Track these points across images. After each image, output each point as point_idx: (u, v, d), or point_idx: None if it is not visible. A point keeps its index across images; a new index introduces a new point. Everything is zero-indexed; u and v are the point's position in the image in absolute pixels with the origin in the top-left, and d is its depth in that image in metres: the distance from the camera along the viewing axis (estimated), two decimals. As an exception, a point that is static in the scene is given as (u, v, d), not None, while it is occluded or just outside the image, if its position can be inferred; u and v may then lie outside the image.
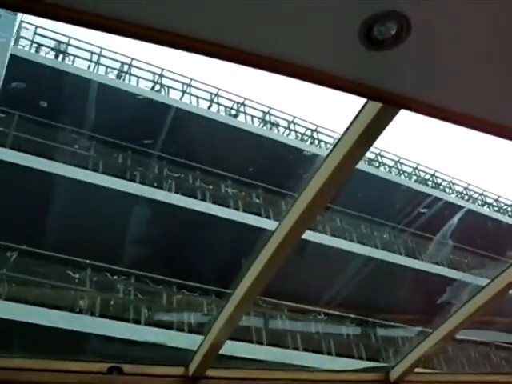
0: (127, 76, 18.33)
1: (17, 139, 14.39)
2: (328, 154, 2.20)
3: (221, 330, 2.80)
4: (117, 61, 18.40)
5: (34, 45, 17.34)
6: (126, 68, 18.46)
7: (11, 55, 15.35)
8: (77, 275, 13.43)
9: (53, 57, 17.20)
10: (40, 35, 17.37)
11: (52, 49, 17.44)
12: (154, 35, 1.57)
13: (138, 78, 18.28)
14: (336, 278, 15.17)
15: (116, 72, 18.26)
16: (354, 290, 15.17)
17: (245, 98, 19.81)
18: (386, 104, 1.97)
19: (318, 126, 20.40)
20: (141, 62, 18.43)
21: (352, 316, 16.41)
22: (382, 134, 2.12)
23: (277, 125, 20.23)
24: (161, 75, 18.75)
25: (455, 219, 18.02)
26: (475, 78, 1.94)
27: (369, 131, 2.08)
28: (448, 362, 15.91)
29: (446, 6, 1.67)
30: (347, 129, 2.14)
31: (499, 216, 21.80)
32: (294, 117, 20.14)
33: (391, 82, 1.86)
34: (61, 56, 17.44)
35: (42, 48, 17.36)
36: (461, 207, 19.46)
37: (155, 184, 15.89)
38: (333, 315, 16.13)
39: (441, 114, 1.99)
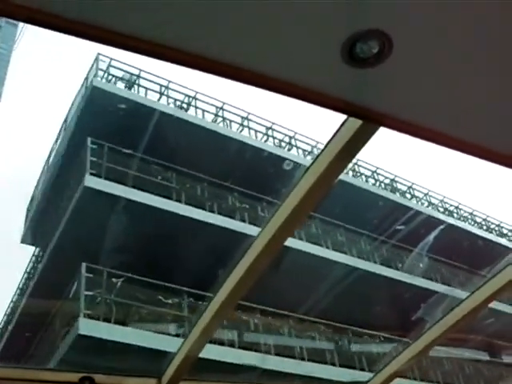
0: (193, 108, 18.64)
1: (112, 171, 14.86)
2: (308, 168, 2.20)
3: (195, 342, 2.78)
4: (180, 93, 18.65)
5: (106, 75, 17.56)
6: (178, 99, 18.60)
7: (93, 87, 15.87)
8: (169, 300, 14.26)
9: (124, 87, 17.49)
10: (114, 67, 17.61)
11: (127, 81, 17.71)
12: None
13: (203, 111, 18.64)
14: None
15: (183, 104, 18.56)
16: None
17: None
18: (365, 121, 1.98)
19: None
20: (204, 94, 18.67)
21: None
22: (361, 149, 2.12)
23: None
24: (222, 108, 19.06)
25: (433, 232, 18.15)
26: (456, 99, 1.95)
27: (349, 147, 2.08)
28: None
29: (430, 28, 1.69)
30: (328, 143, 2.14)
31: (476, 230, 21.97)
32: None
33: (372, 99, 1.86)
34: (137, 89, 17.70)
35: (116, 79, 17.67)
36: (440, 220, 19.61)
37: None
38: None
39: (420, 132, 2.00)
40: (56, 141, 18.80)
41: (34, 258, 19.31)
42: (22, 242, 19.65)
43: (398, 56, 1.71)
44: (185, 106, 18.23)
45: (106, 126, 14.79)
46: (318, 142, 19.61)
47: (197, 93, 18.35)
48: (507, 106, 1.98)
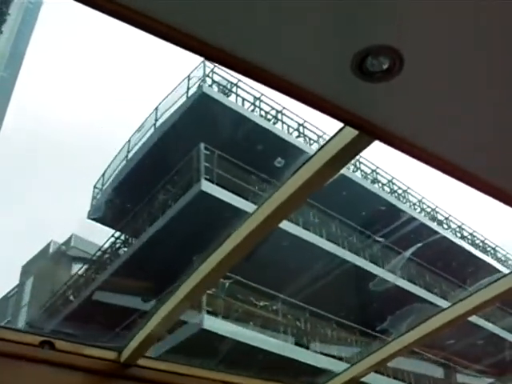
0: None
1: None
2: (296, 170, 2.17)
3: (161, 322, 2.76)
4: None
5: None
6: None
7: (202, 93, 16.49)
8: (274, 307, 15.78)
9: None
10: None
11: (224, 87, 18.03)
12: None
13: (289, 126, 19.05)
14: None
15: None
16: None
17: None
18: (364, 133, 1.94)
19: None
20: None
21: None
22: (353, 159, 2.09)
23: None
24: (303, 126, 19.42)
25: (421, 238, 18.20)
26: (462, 124, 1.92)
27: (341, 155, 2.05)
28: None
29: (442, 47, 1.66)
30: (320, 148, 2.11)
31: (463, 243, 22.01)
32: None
33: (375, 113, 1.84)
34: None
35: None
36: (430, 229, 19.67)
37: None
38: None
39: (418, 153, 1.97)
40: (139, 131, 19.14)
41: (116, 240, 19.93)
42: (89, 217, 20.32)
43: (407, 75, 1.69)
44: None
45: (204, 133, 15.48)
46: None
47: (284, 108, 18.78)
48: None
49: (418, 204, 22.08)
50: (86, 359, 2.68)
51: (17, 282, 28.55)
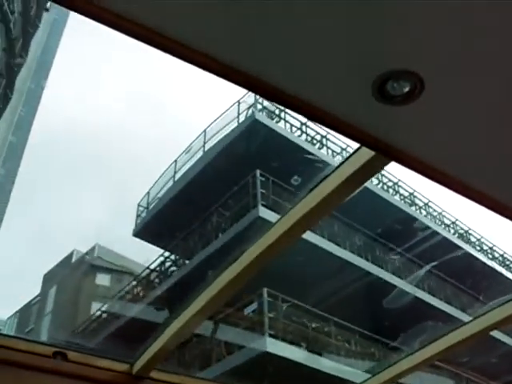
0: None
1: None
2: (312, 189, 2.16)
3: (174, 335, 2.76)
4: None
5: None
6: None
7: (255, 119, 17.11)
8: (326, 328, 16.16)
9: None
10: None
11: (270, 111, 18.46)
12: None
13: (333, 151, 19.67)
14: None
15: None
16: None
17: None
18: (381, 154, 1.93)
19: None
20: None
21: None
22: (369, 179, 2.08)
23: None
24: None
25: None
26: (481, 149, 1.90)
27: (358, 174, 2.04)
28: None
29: (462, 73, 1.65)
30: (337, 167, 2.10)
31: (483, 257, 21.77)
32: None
33: (393, 135, 1.84)
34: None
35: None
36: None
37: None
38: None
39: (435, 176, 1.95)
40: (187, 152, 19.56)
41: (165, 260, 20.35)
42: (135, 235, 20.90)
43: (426, 99, 1.69)
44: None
45: (256, 158, 16.09)
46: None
47: (328, 133, 19.08)
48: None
49: (438, 217, 21.90)
50: (98, 370, 2.68)
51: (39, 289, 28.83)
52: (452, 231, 21.60)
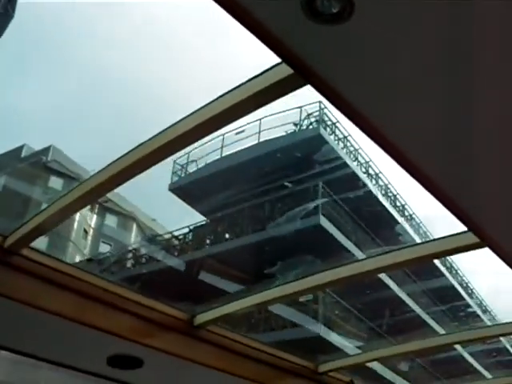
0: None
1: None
2: (222, 95, 2.06)
3: (54, 215, 2.65)
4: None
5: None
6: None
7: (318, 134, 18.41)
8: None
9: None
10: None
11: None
12: None
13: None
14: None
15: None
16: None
17: None
18: (298, 74, 1.84)
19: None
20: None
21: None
22: (279, 98, 1.99)
23: None
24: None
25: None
26: (402, 87, 1.85)
27: (268, 90, 1.95)
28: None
29: (395, 11, 1.59)
30: (250, 79, 2.00)
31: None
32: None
33: (313, 56, 1.74)
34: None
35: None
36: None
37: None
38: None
39: (348, 111, 1.89)
40: (238, 133, 19.42)
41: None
42: (171, 190, 21.10)
43: (354, 24, 1.62)
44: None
45: (314, 169, 17.74)
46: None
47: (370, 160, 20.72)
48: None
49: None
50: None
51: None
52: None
